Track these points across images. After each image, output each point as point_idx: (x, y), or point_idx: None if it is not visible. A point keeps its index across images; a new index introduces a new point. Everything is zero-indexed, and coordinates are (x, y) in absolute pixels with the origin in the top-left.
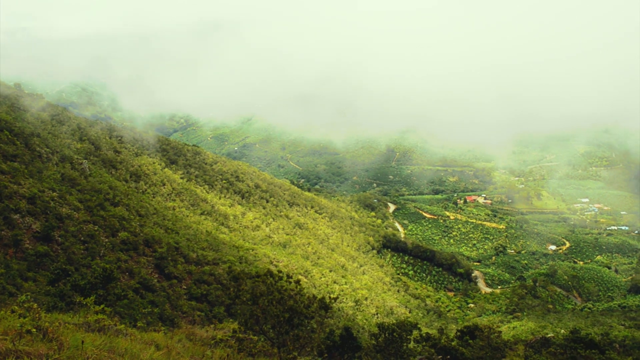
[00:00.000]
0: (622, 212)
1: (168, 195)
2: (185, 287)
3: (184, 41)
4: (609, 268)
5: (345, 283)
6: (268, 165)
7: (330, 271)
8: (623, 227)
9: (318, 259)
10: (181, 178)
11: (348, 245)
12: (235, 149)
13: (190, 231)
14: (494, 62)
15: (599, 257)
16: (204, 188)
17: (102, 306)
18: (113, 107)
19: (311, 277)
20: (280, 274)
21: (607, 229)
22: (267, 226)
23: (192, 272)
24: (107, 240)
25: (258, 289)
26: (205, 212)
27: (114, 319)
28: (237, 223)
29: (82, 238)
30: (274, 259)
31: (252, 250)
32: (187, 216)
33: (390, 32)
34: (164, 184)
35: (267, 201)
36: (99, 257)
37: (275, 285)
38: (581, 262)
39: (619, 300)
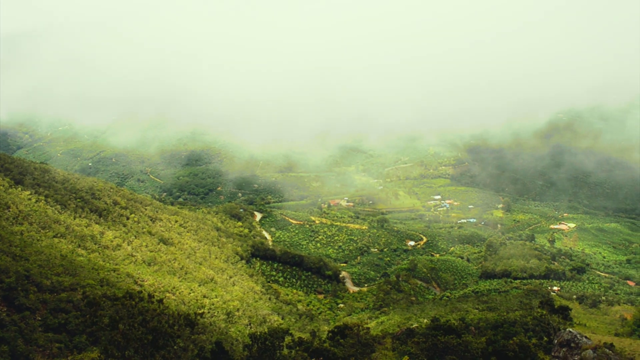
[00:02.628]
0: (469, 206)
1: (14, 218)
2: (40, 318)
3: None
4: (462, 258)
5: (216, 296)
6: (126, 180)
7: (200, 285)
8: (471, 220)
9: (186, 274)
10: (29, 199)
11: (216, 258)
12: (90, 164)
13: (42, 256)
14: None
15: (452, 249)
16: (55, 208)
17: None
18: None
19: (179, 293)
20: (141, 294)
21: (458, 222)
22: (128, 244)
23: (47, 301)
24: None
25: (119, 312)
26: (59, 235)
27: None
28: (95, 244)
29: None
30: (138, 278)
31: (114, 271)
32: (38, 240)
33: (216, 34)
34: (8, 207)
35: (128, 218)
36: None
37: (136, 306)
38: (437, 255)
39: (472, 287)
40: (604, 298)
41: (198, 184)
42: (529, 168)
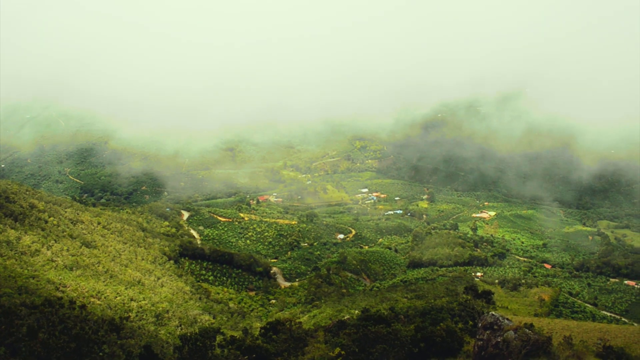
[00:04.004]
0: (395, 198)
1: None
2: None
3: None
4: (390, 249)
5: (144, 299)
6: (43, 182)
7: (126, 288)
8: (398, 211)
9: (111, 277)
10: None
11: (143, 259)
12: (2, 166)
13: None
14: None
15: (381, 240)
16: None
17: None
18: None
19: (105, 298)
20: (62, 301)
21: (385, 214)
22: (48, 249)
23: None
24: None
25: (39, 321)
26: None
27: None
28: (11, 250)
29: None
30: (60, 284)
31: (33, 278)
32: None
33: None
34: None
35: (46, 222)
36: None
37: (57, 314)
38: (366, 247)
39: (401, 276)
40: (523, 281)
41: (121, 184)
42: (449, 158)
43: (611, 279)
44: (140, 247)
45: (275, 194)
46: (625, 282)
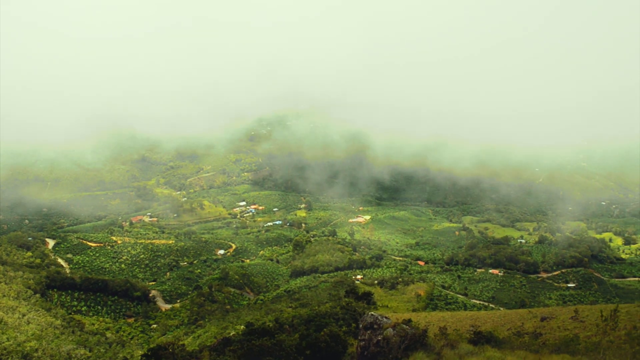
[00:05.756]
0: (274, 209)
1: None
2: None
3: None
4: (272, 260)
5: (7, 339)
6: None
7: None
8: (277, 222)
9: None
10: None
11: (4, 295)
12: None
13: None
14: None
15: (262, 252)
16: None
17: None
18: None
19: None
20: None
21: (265, 225)
22: None
23: None
24: None
25: None
26: None
27: None
28: None
29: None
30: None
31: None
32: None
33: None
34: None
35: None
36: None
37: None
38: (248, 260)
39: (284, 287)
40: (400, 279)
41: None
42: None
43: (478, 270)
44: (0, 282)
45: (149, 213)
46: (490, 271)
